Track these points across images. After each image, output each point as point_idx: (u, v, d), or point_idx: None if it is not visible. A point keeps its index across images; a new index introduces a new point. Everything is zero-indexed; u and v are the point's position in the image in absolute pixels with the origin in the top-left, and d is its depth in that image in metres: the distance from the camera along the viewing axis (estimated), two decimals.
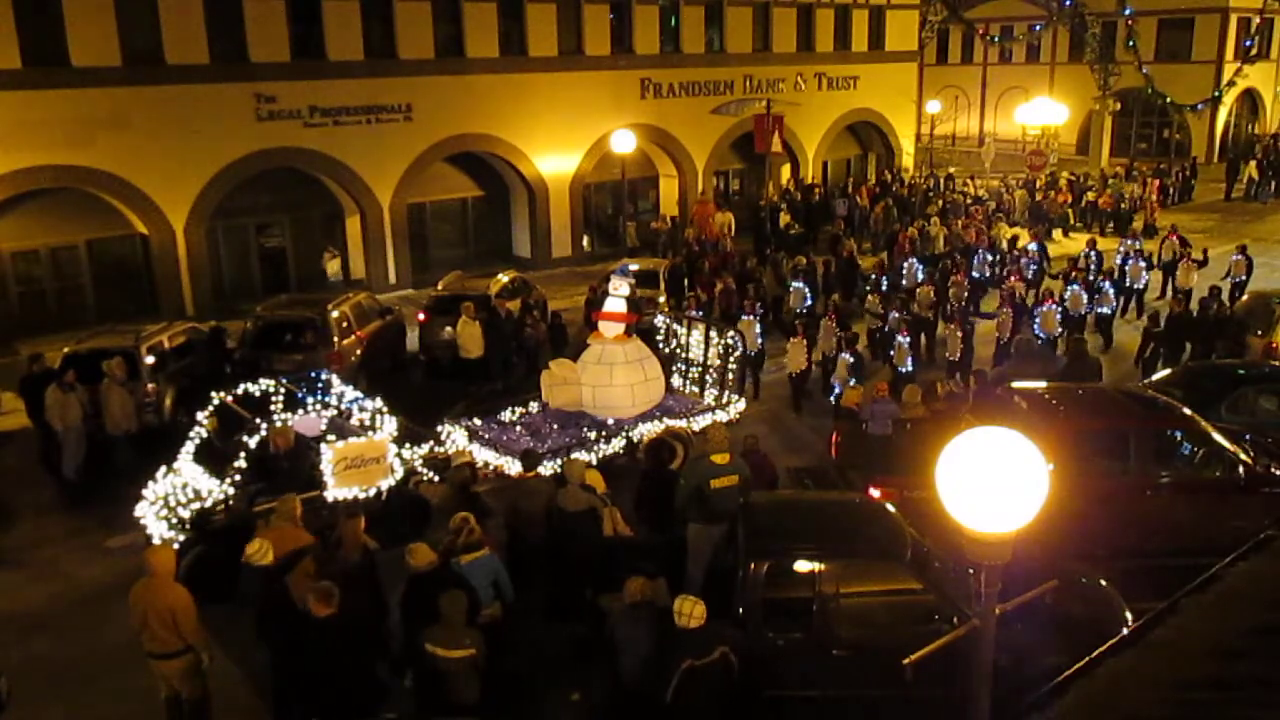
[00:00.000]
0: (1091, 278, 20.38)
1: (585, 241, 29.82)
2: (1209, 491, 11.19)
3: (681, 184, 31.30)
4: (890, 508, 9.68)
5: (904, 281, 21.14)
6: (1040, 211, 31.11)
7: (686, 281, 22.40)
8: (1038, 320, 18.36)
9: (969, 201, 31.25)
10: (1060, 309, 18.51)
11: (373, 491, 11.56)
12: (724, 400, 14.61)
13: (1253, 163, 40.15)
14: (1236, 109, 48.16)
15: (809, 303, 20.02)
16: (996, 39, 49.14)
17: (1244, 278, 21.39)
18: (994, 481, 4.46)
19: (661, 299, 20.67)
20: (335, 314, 17.32)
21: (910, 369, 16.32)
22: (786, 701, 8.44)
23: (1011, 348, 17.91)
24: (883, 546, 8.81)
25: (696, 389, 15.18)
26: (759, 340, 17.17)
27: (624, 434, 13.42)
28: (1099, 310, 19.76)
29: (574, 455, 12.15)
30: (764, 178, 30.06)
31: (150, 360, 15.28)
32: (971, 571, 4.94)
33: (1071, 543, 9.65)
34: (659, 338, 15.76)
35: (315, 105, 23.92)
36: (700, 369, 15.18)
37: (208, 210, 23.19)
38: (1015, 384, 13.49)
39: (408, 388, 17.81)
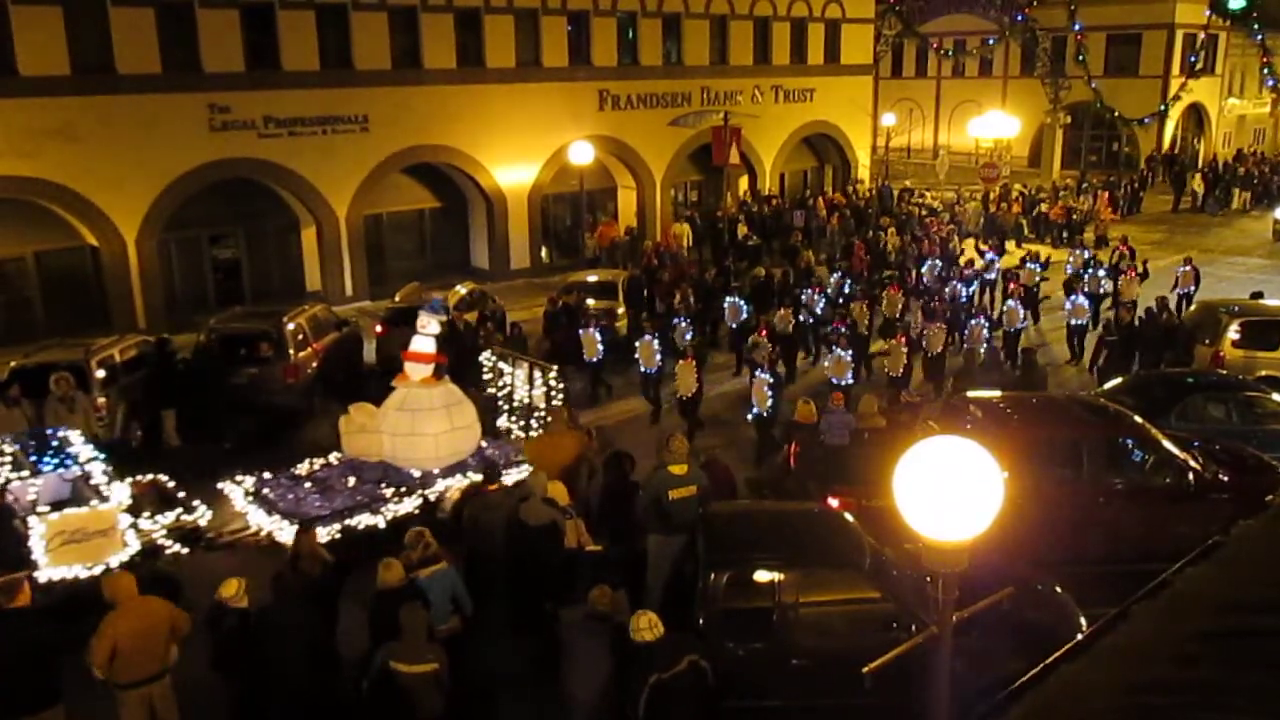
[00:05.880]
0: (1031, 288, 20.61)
1: (543, 253, 29.77)
2: (1160, 498, 11.38)
3: (640, 195, 31.37)
4: (849, 517, 9.75)
5: (830, 292, 20.88)
6: (994, 223, 31.55)
7: (645, 293, 22.44)
8: (967, 333, 18.22)
9: (924, 213, 31.63)
10: (987, 324, 18.35)
11: (99, 569, 9.96)
12: None
13: (1196, 175, 41.02)
14: (1183, 123, 49.19)
15: (744, 317, 19.33)
16: (950, 53, 49.85)
17: (1192, 288, 21.74)
18: (950, 490, 4.51)
19: (620, 310, 20.70)
20: (291, 326, 17.14)
21: (850, 382, 15.90)
22: (747, 712, 8.45)
23: (961, 359, 17.98)
24: (842, 556, 8.87)
25: (524, 434, 13.92)
26: (657, 359, 16.52)
27: (420, 492, 11.88)
28: (1074, 322, 19.67)
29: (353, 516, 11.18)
30: (722, 189, 30.19)
31: (100, 374, 15.03)
32: (929, 579, 4.98)
33: (1026, 550, 9.76)
34: (485, 376, 14.84)
35: (270, 115, 23.71)
36: (525, 410, 14.00)
37: (160, 222, 22.86)
38: (970, 394, 13.66)
39: (365, 400, 17.62)
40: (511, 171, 27.98)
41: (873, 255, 25.34)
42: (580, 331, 17.80)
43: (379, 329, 19.13)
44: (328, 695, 8.43)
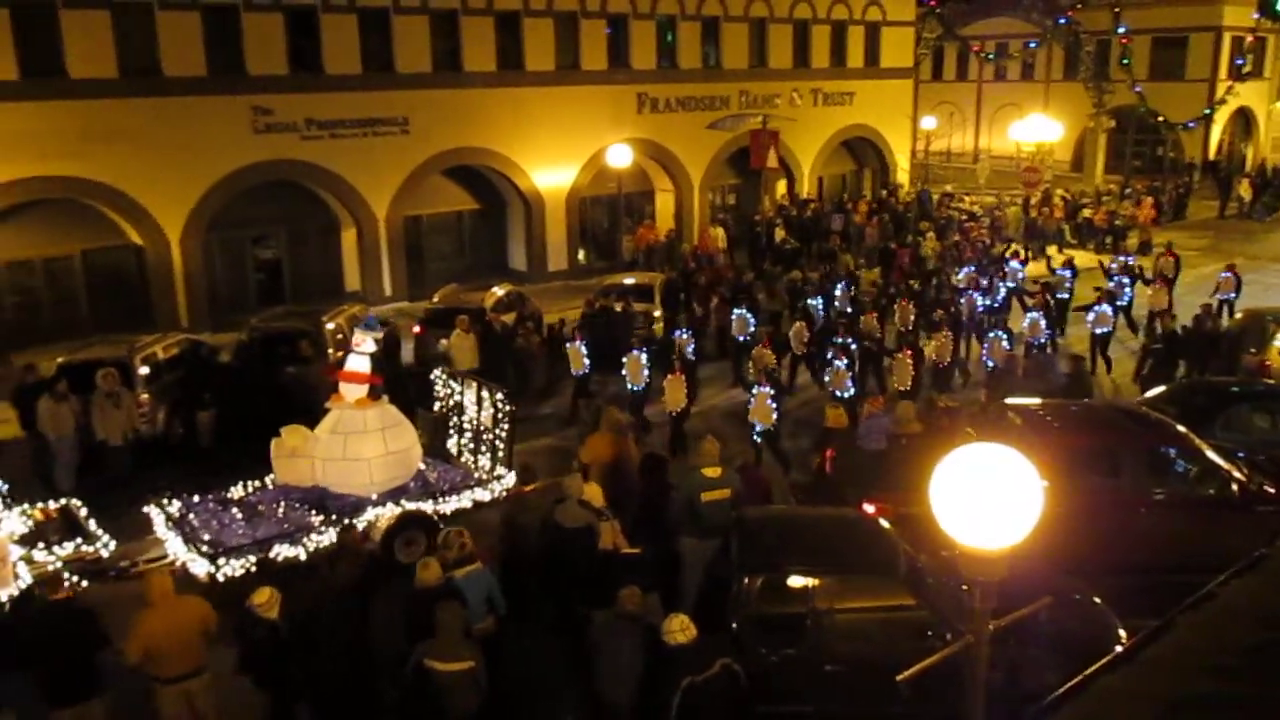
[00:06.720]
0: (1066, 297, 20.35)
1: (581, 255, 29.85)
2: (1203, 509, 11.20)
3: (678, 199, 31.36)
4: (884, 523, 9.69)
5: (837, 303, 20.42)
6: (1035, 229, 31.20)
7: (682, 296, 22.41)
8: (987, 346, 17.68)
9: (963, 218, 31.33)
10: (1006, 336, 17.72)
11: None
12: (493, 472, 12.65)
13: (1244, 181, 40.32)
14: (1230, 127, 48.36)
15: (752, 329, 18.69)
16: (991, 56, 49.38)
17: (1233, 295, 21.32)
18: (988, 498, 4.47)
19: (657, 313, 20.71)
20: (330, 326, 17.32)
21: (852, 393, 15.30)
22: (780, 717, 8.42)
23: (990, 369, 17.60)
24: (877, 562, 8.82)
25: (472, 458, 13.26)
26: (645, 375, 16.07)
27: (346, 521, 11.10)
28: (1098, 331, 19.07)
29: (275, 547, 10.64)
30: (759, 193, 30.12)
31: (144, 371, 15.27)
32: (966, 588, 4.93)
33: (1066, 559, 9.65)
34: (436, 396, 14.21)
35: (312, 118, 23.97)
36: (474, 432, 13.32)
37: (204, 222, 23.18)
38: (1009, 400, 13.52)
39: (403, 401, 17.74)
40: (550, 174, 28.08)
41: (913, 262, 25.07)
42: (566, 345, 17.33)
43: (417, 329, 19.26)
44: (364, 693, 8.51)
